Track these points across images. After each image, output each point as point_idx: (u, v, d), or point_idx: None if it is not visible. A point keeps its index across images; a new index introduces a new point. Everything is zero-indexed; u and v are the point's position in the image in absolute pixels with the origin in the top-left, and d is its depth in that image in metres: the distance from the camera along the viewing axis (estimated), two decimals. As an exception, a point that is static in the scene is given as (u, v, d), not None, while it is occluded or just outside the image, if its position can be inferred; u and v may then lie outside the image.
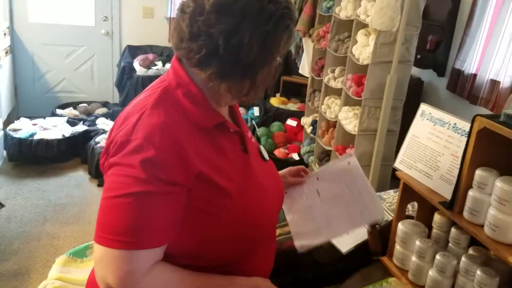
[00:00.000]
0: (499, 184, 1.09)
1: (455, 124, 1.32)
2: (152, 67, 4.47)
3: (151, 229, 0.90)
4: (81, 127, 3.99)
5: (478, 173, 1.15)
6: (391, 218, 1.60)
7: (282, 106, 4.45)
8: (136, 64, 4.45)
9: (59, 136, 3.76)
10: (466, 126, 1.27)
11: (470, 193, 1.17)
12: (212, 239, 0.98)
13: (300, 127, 4.01)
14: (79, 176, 3.60)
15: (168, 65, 4.51)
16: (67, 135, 3.80)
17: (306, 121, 3.76)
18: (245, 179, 1.03)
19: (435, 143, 1.36)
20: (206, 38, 0.90)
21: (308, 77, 3.75)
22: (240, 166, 1.04)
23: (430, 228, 1.42)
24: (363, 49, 2.80)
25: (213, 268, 1.01)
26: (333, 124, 3.29)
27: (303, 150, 3.74)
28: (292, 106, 4.49)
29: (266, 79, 0.98)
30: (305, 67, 3.88)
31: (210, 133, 0.99)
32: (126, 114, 0.98)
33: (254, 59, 0.92)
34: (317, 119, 3.53)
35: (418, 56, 3.17)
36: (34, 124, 3.95)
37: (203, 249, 0.99)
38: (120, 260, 0.88)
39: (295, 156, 3.82)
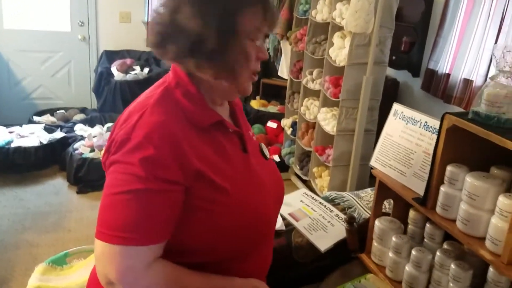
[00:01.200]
0: (469, 179, 1.12)
1: (426, 122, 1.35)
2: (130, 72, 4.42)
3: (151, 226, 0.91)
4: (58, 134, 3.93)
5: (449, 169, 1.18)
6: (368, 215, 1.63)
7: (262, 109, 4.47)
8: (114, 69, 4.41)
9: (36, 143, 3.69)
10: (436, 124, 1.30)
11: (442, 189, 1.20)
12: (209, 237, 0.99)
13: (281, 129, 4.03)
14: (58, 184, 3.54)
15: (146, 70, 4.49)
16: (44, 142, 3.74)
17: (286, 122, 3.78)
18: (244, 178, 1.05)
19: (407, 141, 1.39)
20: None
21: (287, 79, 3.79)
22: (239, 165, 1.06)
23: (406, 224, 1.46)
24: (339, 51, 2.85)
25: (210, 265, 1.02)
26: (312, 125, 3.33)
27: (284, 151, 3.77)
28: (272, 108, 4.52)
29: (240, 60, 0.98)
30: (283, 70, 3.91)
31: (208, 133, 1.02)
32: (128, 114, 1.00)
33: (213, 35, 0.93)
34: (297, 120, 3.56)
35: (394, 57, 3.24)
36: (10, 132, 3.87)
37: (200, 247, 1.00)
38: (121, 256, 0.89)
39: (276, 158, 3.84)
